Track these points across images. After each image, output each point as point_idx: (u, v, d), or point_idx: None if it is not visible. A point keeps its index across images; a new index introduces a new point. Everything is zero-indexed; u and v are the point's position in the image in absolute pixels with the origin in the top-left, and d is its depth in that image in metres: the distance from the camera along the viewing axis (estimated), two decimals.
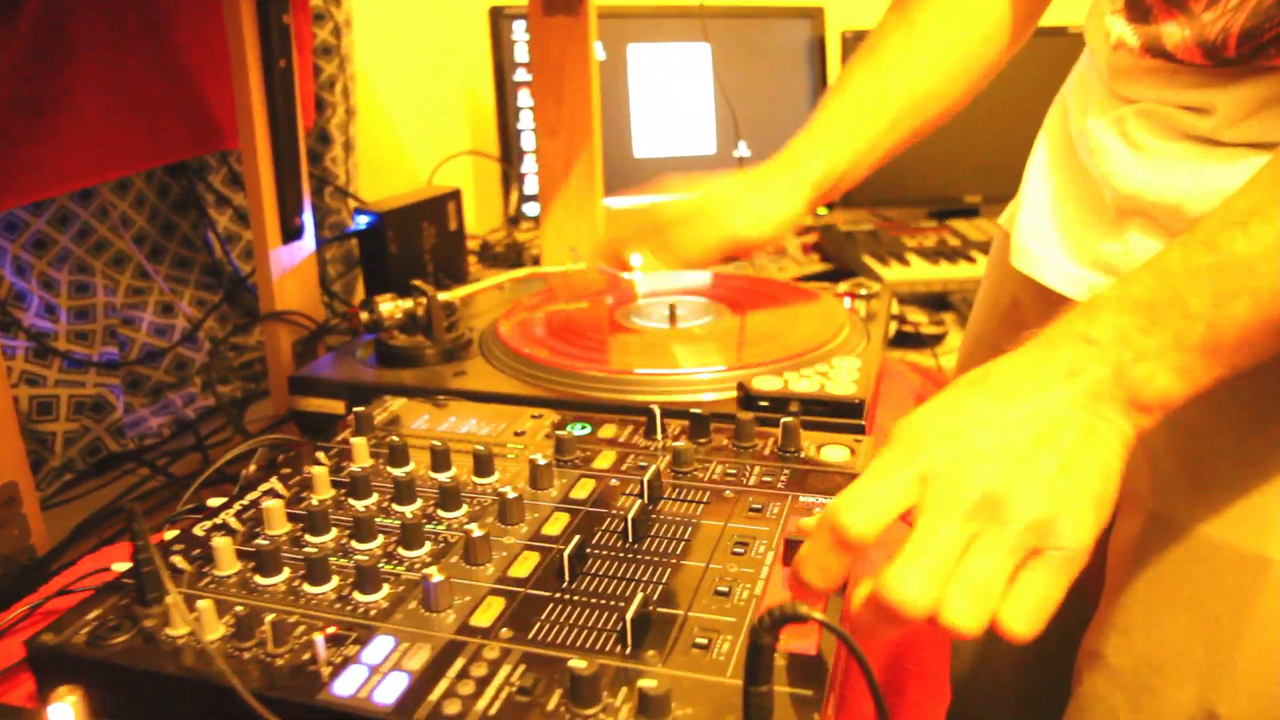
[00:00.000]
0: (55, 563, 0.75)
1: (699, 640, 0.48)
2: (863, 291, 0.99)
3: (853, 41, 1.70)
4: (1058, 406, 0.49)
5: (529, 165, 1.63)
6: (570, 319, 0.94)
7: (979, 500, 0.47)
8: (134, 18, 1.00)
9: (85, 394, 0.97)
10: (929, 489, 0.48)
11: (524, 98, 1.61)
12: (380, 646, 0.47)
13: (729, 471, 0.64)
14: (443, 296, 0.89)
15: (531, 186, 1.64)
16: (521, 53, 1.60)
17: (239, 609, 0.48)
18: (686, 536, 0.57)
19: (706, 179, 0.85)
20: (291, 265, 1.01)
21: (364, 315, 0.88)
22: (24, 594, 0.68)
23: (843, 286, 1.01)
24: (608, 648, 0.47)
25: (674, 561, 0.54)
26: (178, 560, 0.55)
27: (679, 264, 0.83)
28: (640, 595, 0.48)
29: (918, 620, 0.45)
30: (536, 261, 1.47)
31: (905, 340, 1.30)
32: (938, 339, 1.30)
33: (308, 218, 1.03)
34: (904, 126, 0.85)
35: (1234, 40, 0.60)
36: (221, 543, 0.54)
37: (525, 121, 1.62)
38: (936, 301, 1.45)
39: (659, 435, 0.69)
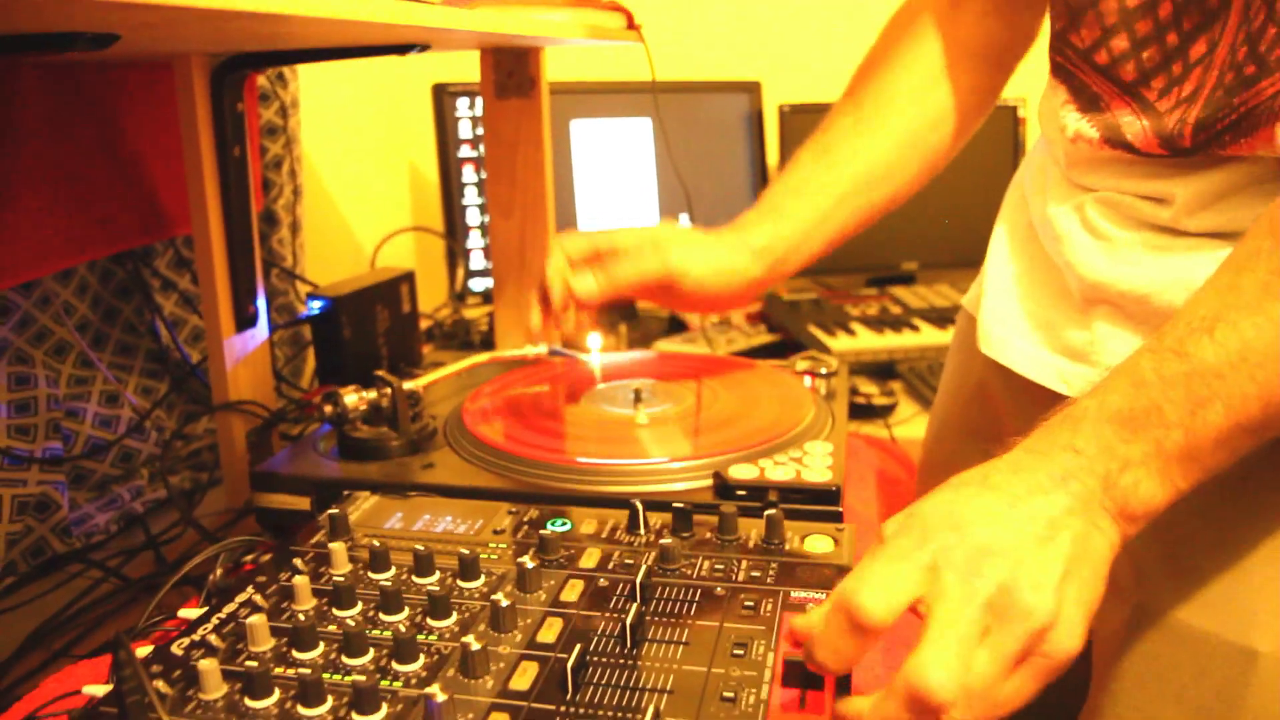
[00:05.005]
0: (6, 677, 0.72)
1: None
2: (822, 370, 1.00)
3: (790, 115, 1.74)
4: (1055, 509, 0.51)
5: (474, 241, 1.63)
6: (536, 405, 0.93)
7: (992, 593, 0.48)
8: (79, 104, 0.98)
9: (28, 492, 0.93)
10: (941, 578, 0.49)
11: (468, 174, 1.61)
12: None
13: (716, 567, 0.64)
14: (407, 386, 0.88)
15: (477, 262, 1.63)
16: (465, 129, 1.60)
17: None
18: (685, 639, 0.56)
19: (657, 226, 0.87)
20: (245, 353, 0.99)
21: (327, 408, 0.86)
22: None
23: (801, 365, 1.02)
24: None
25: (675, 667, 0.54)
26: (158, 684, 0.52)
27: (612, 289, 0.83)
28: (651, 707, 0.47)
29: (948, 708, 0.45)
30: (487, 341, 1.47)
31: (857, 412, 1.31)
32: (889, 409, 1.32)
33: (261, 305, 1.01)
34: (851, 204, 0.87)
35: (1190, 130, 0.63)
36: (207, 665, 0.52)
37: (470, 198, 1.62)
38: (883, 370, 1.47)
39: (642, 530, 0.69)
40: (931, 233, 1.80)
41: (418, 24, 0.73)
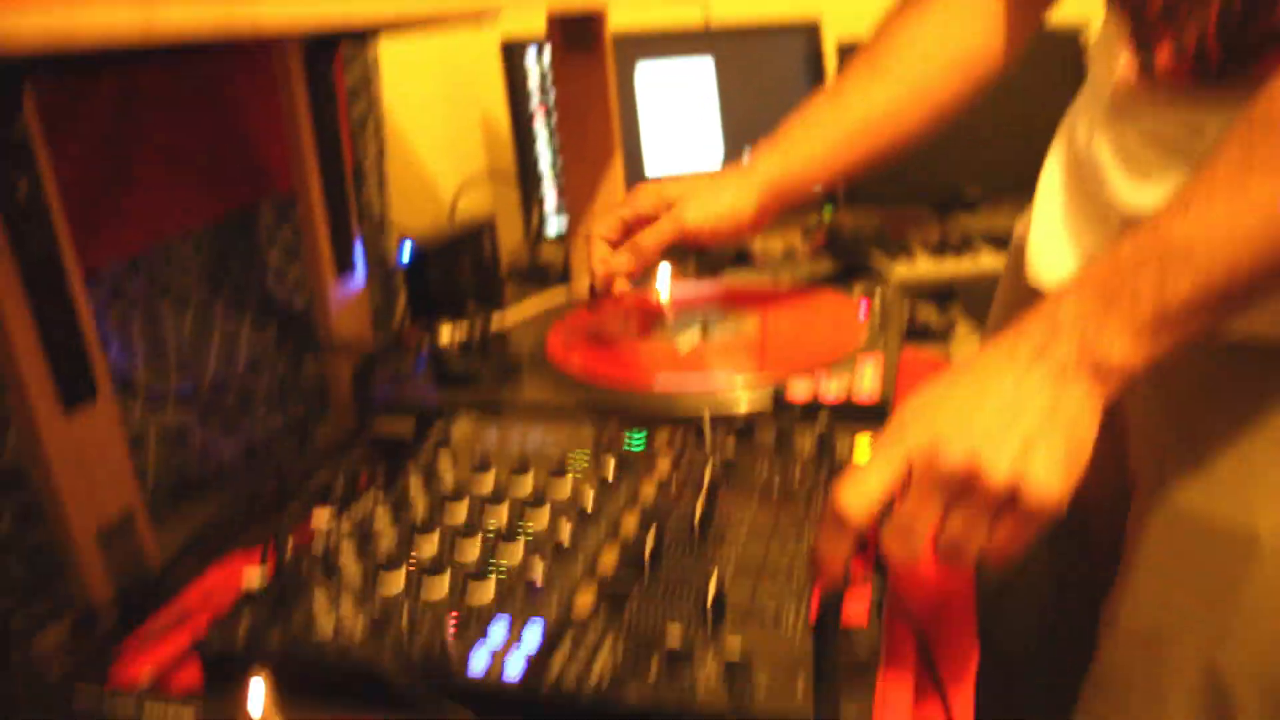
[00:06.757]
0: (169, 578, 0.84)
1: (768, 614, 0.56)
2: (877, 295, 1.07)
3: (849, 52, 1.78)
4: (1027, 384, 0.57)
5: (547, 185, 1.72)
6: (612, 334, 1.02)
7: (951, 474, 0.55)
8: (190, 87, 1.09)
9: (167, 425, 1.06)
10: (914, 468, 0.56)
11: (539, 123, 1.69)
12: (498, 632, 0.56)
13: (774, 471, 0.73)
14: (495, 320, 0.97)
15: (551, 205, 1.72)
16: (534, 81, 1.68)
17: (377, 605, 0.57)
18: (745, 527, 0.65)
19: (673, 180, 0.93)
20: (346, 298, 1.10)
21: (425, 342, 0.96)
22: (146, 607, 0.77)
23: (858, 290, 1.09)
24: (692, 623, 0.56)
25: (738, 548, 0.63)
26: (307, 571, 0.63)
27: (642, 262, 0.90)
28: (715, 580, 0.56)
29: (908, 567, 0.57)
30: (562, 278, 1.56)
31: (915, 335, 1.38)
32: (947, 332, 1.38)
33: (358, 253, 1.11)
34: (857, 145, 0.92)
35: (1211, 42, 0.67)
36: (346, 551, 0.62)
37: (541, 146, 1.70)
38: (943, 295, 1.53)
39: (709, 441, 0.78)
40: (996, 159, 1.83)
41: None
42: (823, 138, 0.92)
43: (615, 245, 0.92)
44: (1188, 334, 0.58)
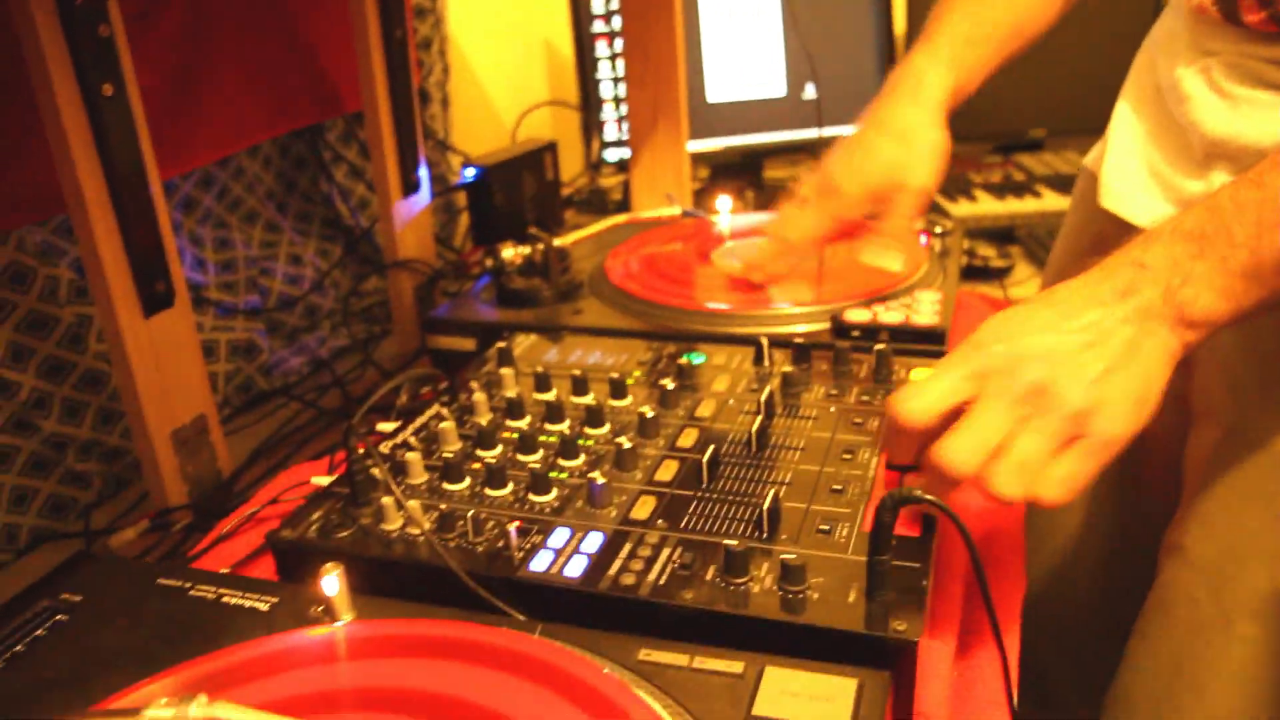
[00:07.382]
0: (238, 482, 0.87)
1: (822, 527, 0.57)
2: (937, 230, 1.06)
3: None
4: (1110, 320, 0.57)
5: (608, 113, 1.71)
6: (672, 259, 1.02)
7: (1028, 390, 0.54)
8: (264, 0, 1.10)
9: (237, 338, 1.09)
10: (987, 382, 0.56)
11: (601, 48, 1.68)
12: (560, 535, 0.58)
13: (831, 392, 0.74)
14: (557, 242, 0.98)
15: (611, 133, 1.72)
16: (598, 5, 1.67)
17: (442, 507, 0.59)
18: (801, 446, 0.66)
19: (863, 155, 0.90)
20: (410, 217, 1.11)
21: (487, 261, 0.98)
22: (216, 507, 0.80)
23: (918, 224, 1.08)
24: (747, 534, 0.57)
25: (794, 466, 0.64)
26: (375, 472, 0.65)
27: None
28: (771, 491, 0.58)
29: (964, 479, 0.54)
30: (621, 206, 1.56)
31: (974, 274, 1.37)
32: (1005, 272, 1.37)
33: (423, 173, 1.12)
34: (1005, 50, 0.92)
35: None
36: (413, 456, 0.65)
37: (603, 72, 1.69)
38: (1003, 235, 1.51)
39: (766, 362, 0.79)
40: (1060, 101, 1.79)
41: None
42: (983, 54, 0.91)
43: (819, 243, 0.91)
44: (1275, 289, 0.57)
